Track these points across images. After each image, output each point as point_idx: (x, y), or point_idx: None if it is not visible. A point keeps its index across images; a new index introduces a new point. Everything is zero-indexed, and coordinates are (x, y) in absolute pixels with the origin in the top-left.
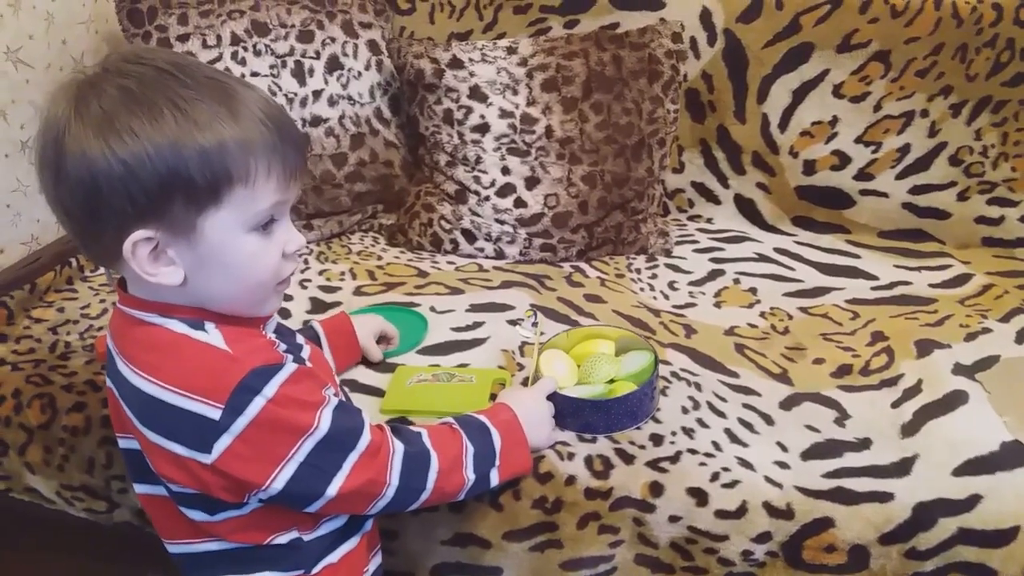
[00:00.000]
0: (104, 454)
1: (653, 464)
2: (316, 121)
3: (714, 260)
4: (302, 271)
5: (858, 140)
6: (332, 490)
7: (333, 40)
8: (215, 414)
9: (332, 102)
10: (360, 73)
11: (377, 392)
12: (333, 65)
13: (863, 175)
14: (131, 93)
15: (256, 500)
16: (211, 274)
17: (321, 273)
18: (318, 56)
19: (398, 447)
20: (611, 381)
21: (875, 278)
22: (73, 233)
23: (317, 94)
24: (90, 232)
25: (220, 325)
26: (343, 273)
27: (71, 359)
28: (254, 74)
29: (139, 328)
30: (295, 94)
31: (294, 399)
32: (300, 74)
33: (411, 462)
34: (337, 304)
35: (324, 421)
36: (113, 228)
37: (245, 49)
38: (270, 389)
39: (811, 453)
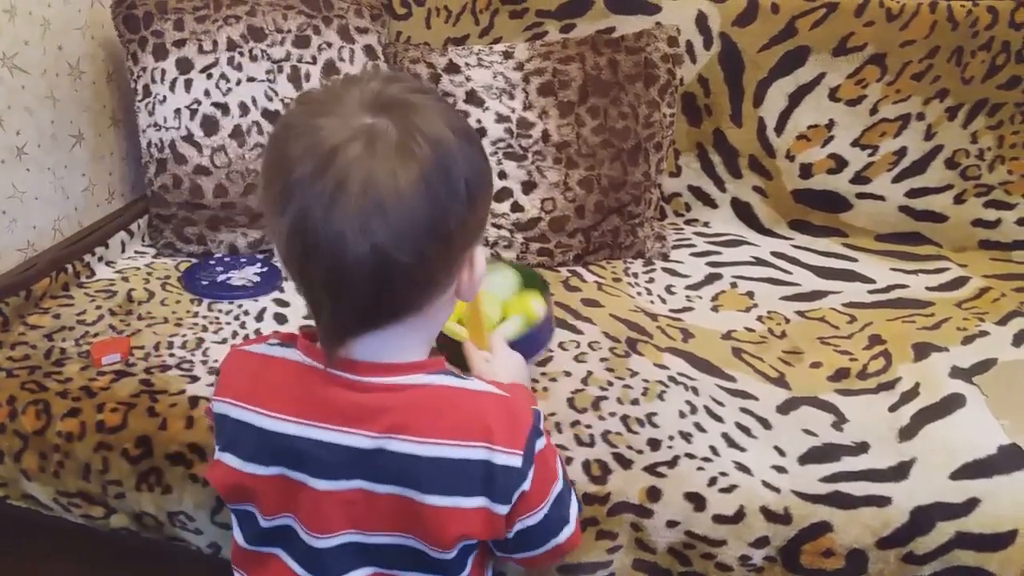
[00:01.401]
0: (100, 460)
1: (651, 469)
2: None
3: (711, 264)
4: None
5: (854, 143)
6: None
7: (329, 45)
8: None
9: None
10: None
11: None
12: (329, 70)
13: (859, 178)
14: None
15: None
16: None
17: None
18: (314, 61)
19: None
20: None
21: (872, 281)
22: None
23: None
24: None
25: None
26: None
27: (66, 365)
28: (250, 79)
29: (403, 393)
30: (291, 99)
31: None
32: (296, 79)
33: None
34: None
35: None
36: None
37: (241, 54)
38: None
39: (809, 457)
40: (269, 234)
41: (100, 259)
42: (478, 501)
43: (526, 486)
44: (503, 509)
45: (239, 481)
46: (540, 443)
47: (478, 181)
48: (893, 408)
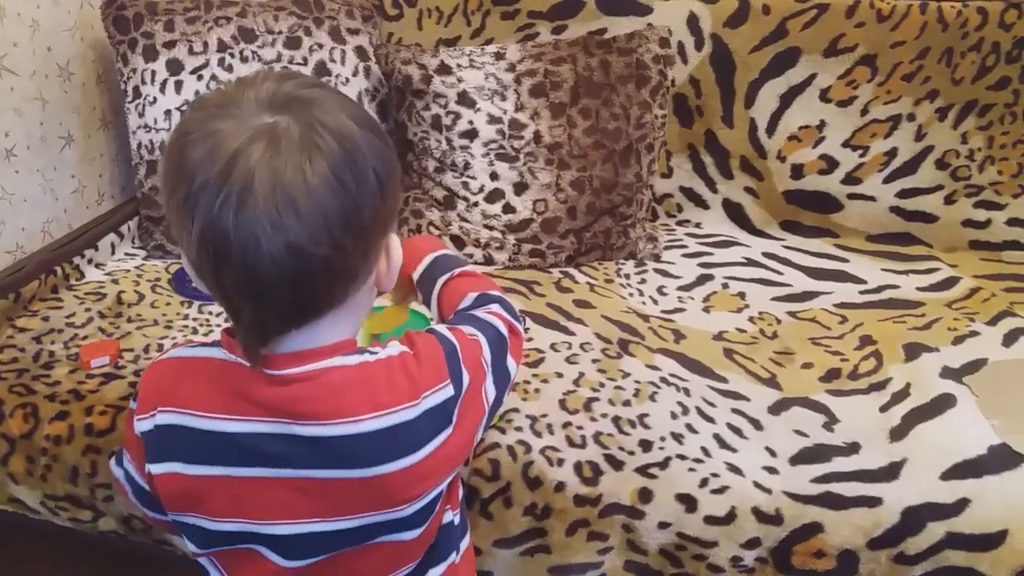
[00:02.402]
0: (88, 463)
1: (642, 470)
2: None
3: (703, 265)
4: None
5: (845, 144)
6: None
7: (320, 46)
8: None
9: None
10: (348, 79)
11: None
12: (320, 71)
13: (851, 179)
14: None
15: None
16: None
17: None
18: (305, 62)
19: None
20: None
21: (863, 282)
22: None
23: None
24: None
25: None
26: None
27: (55, 368)
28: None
29: (323, 378)
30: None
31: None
32: None
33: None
34: None
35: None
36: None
37: (232, 56)
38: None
39: (800, 458)
40: (177, 242)
41: (90, 261)
42: (432, 445)
43: (461, 393)
44: (449, 430)
45: (186, 487)
46: (456, 350)
47: (387, 169)
48: (884, 408)
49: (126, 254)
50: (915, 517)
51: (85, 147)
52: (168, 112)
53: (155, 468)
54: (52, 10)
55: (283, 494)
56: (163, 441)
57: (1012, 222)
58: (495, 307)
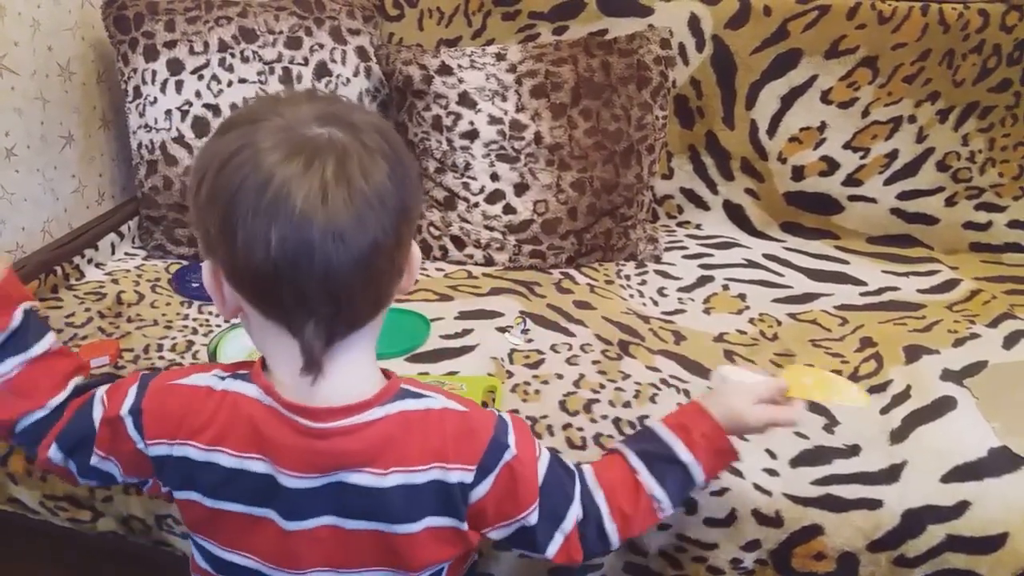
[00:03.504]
0: None
1: None
2: None
3: (703, 266)
4: None
5: (846, 146)
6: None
7: (321, 46)
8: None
9: None
10: (348, 79)
11: None
12: (321, 71)
13: (851, 181)
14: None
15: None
16: (412, 280)
17: None
18: (306, 63)
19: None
20: None
21: (864, 284)
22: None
23: None
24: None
25: (411, 383)
26: None
27: None
28: (242, 80)
29: (361, 433)
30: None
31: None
32: (288, 81)
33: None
34: None
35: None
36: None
37: (232, 56)
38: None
39: (800, 460)
40: (226, 258)
41: (90, 261)
42: (442, 520)
43: (480, 495)
44: (463, 525)
45: (203, 515)
46: (507, 454)
47: (414, 177)
48: (884, 411)
49: (126, 254)
50: (915, 519)
51: (85, 147)
52: (168, 112)
53: (177, 494)
54: (53, 9)
55: (301, 539)
56: (185, 472)
57: (1013, 224)
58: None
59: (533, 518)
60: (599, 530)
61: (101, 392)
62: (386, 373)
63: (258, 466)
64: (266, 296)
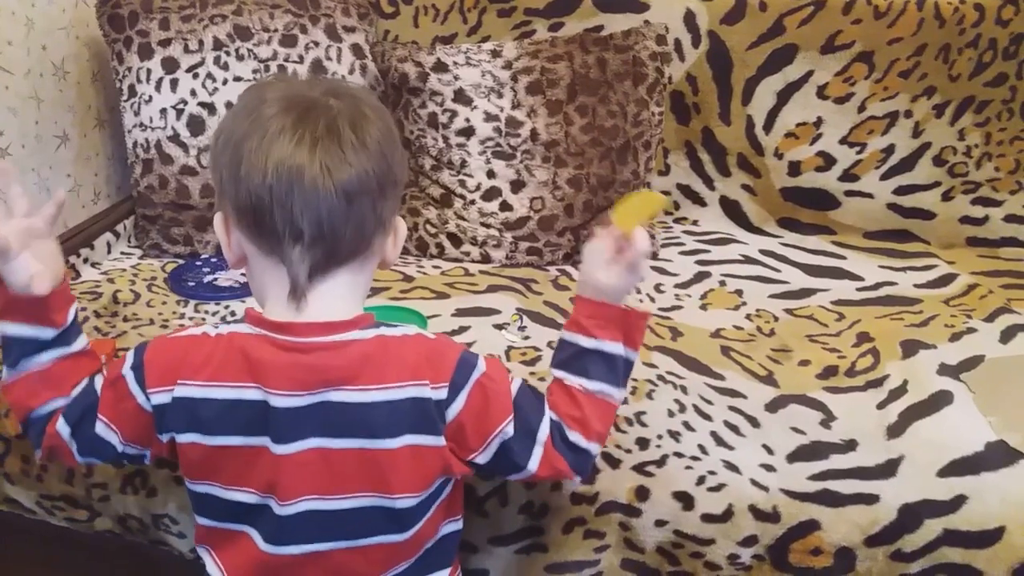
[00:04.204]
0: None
1: (639, 468)
2: None
3: (700, 262)
4: None
5: (843, 141)
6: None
7: (316, 44)
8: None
9: None
10: (344, 77)
11: None
12: (317, 69)
13: (848, 176)
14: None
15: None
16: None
17: None
18: (301, 60)
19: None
20: None
21: (860, 279)
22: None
23: None
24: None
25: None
26: None
27: None
28: (237, 79)
29: (343, 349)
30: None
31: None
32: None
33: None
34: None
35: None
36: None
37: (227, 54)
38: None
39: (797, 455)
40: (232, 194)
41: (85, 260)
42: (421, 438)
43: (455, 413)
44: (440, 440)
45: (204, 456)
46: (475, 372)
47: (404, 156)
48: (881, 405)
49: (122, 253)
50: (912, 514)
51: (80, 146)
52: (164, 110)
53: (179, 438)
54: (47, 8)
55: (288, 465)
56: (183, 414)
57: (1009, 218)
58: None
59: (510, 429)
60: (565, 440)
61: (102, 369)
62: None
63: (252, 393)
64: (262, 224)
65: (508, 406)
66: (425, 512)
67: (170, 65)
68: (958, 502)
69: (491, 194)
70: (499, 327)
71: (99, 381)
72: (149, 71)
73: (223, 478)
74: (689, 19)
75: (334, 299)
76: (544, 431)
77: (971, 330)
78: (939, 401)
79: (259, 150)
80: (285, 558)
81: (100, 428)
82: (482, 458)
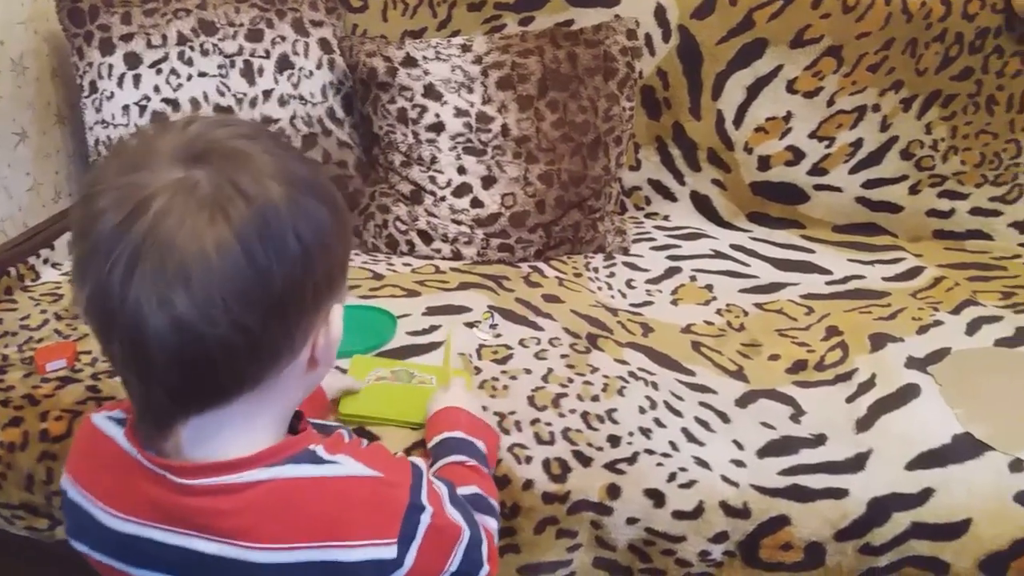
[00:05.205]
0: (44, 470)
1: (610, 466)
2: (266, 122)
3: (671, 258)
4: None
5: (812, 135)
6: None
7: (283, 39)
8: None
9: (283, 102)
10: (311, 72)
11: None
12: (283, 64)
13: (817, 170)
14: None
15: None
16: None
17: None
18: (268, 55)
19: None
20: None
21: (829, 272)
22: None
23: (267, 94)
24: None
25: (327, 447)
26: None
27: (8, 372)
28: (201, 74)
29: (238, 495)
30: (244, 94)
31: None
32: (249, 74)
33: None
34: None
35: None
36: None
37: (192, 49)
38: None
39: (767, 450)
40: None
41: (46, 261)
42: None
43: (407, 569)
44: None
45: (100, 567)
46: (424, 516)
47: (317, 235)
48: (850, 399)
49: None
50: (881, 508)
51: (40, 143)
52: (126, 107)
53: (73, 542)
54: (5, 2)
55: None
56: (76, 519)
57: (975, 211)
58: (490, 522)
59: (461, 551)
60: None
61: None
62: (301, 428)
63: (129, 527)
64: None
65: (456, 536)
66: None
67: (132, 61)
68: (925, 495)
69: (462, 190)
70: (470, 325)
71: None
72: (111, 67)
73: None
74: (659, 13)
75: (224, 431)
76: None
77: (938, 323)
78: (907, 394)
79: (76, 270)
80: None
81: None
82: None
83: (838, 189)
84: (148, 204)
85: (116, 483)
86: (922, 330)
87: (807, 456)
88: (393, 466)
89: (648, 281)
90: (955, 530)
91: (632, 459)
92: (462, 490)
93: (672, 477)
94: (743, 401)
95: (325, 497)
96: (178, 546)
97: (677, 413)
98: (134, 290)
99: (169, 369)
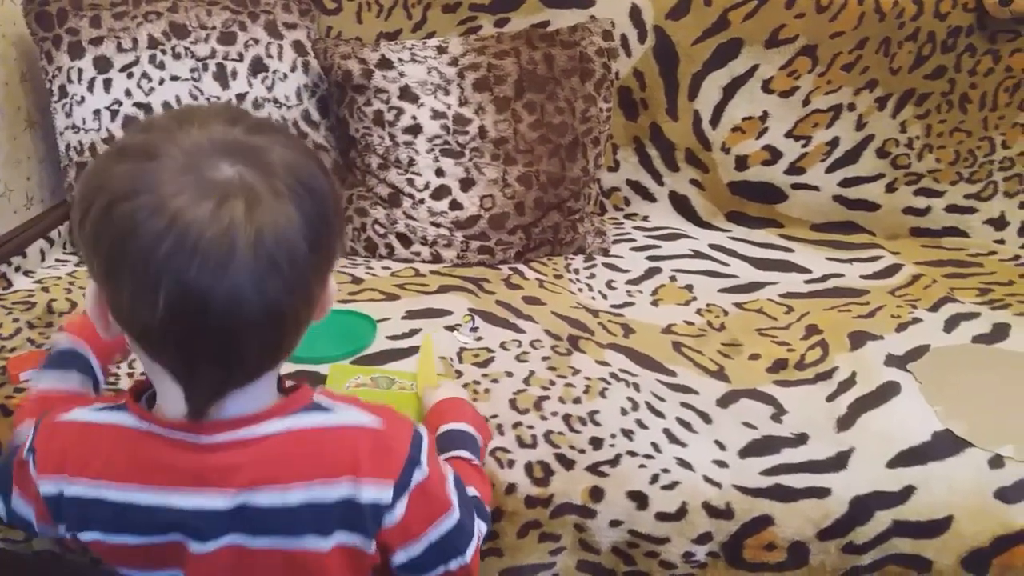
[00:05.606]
0: None
1: (593, 468)
2: None
3: (651, 258)
4: None
5: (788, 135)
6: None
7: (256, 41)
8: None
9: (257, 105)
10: (286, 75)
11: None
12: (257, 67)
13: (794, 169)
14: None
15: None
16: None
17: None
18: (241, 58)
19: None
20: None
21: (808, 271)
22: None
23: (241, 97)
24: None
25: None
26: None
27: None
28: (174, 78)
29: (256, 446)
30: (217, 98)
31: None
32: (223, 77)
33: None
34: None
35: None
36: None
37: (163, 52)
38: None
39: (749, 450)
40: (98, 302)
41: (17, 269)
42: (348, 537)
43: (396, 518)
44: (371, 544)
45: (109, 552)
46: (419, 474)
47: (340, 201)
48: (831, 398)
49: (56, 260)
50: (863, 506)
51: (10, 149)
52: (97, 112)
53: (80, 535)
54: None
55: (203, 564)
56: (80, 512)
57: (951, 208)
58: (482, 525)
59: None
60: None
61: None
62: (298, 385)
63: (143, 497)
64: (153, 346)
65: (443, 508)
66: None
67: (103, 64)
68: (907, 493)
69: (440, 193)
70: (451, 328)
71: (16, 447)
72: (80, 71)
73: (137, 566)
74: (635, 14)
75: (245, 396)
76: (471, 547)
77: (916, 320)
78: (887, 392)
79: (148, 275)
80: None
81: (15, 501)
82: (402, 558)
83: (815, 188)
84: (215, 213)
85: (131, 460)
86: (901, 328)
87: (789, 456)
88: (394, 420)
89: (628, 282)
90: (937, 527)
91: (615, 461)
92: (468, 490)
93: (655, 479)
94: (724, 401)
95: (336, 441)
96: (195, 509)
97: (659, 414)
98: (230, 285)
99: (258, 346)
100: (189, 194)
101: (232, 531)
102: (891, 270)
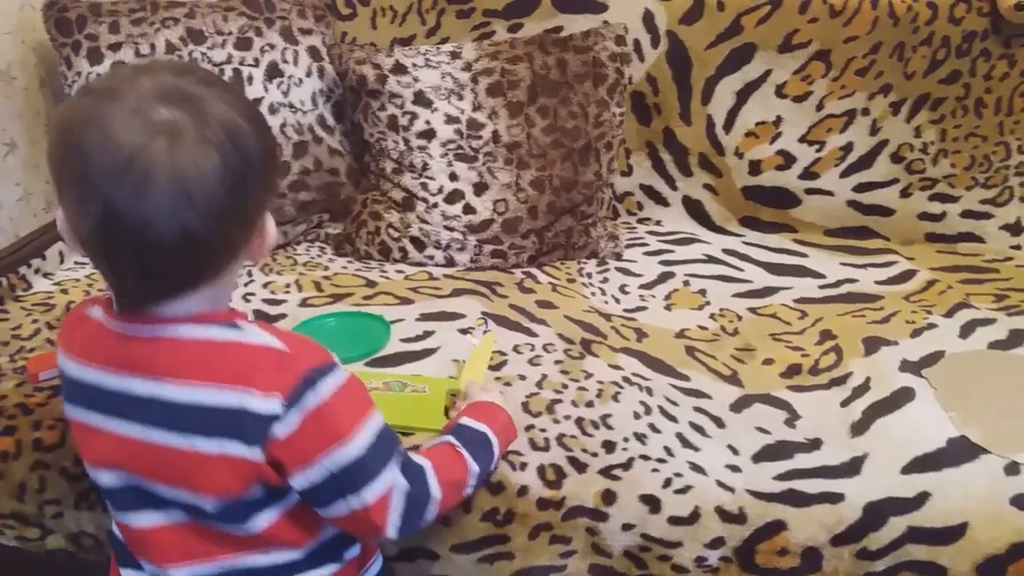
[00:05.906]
0: (36, 479)
1: (606, 472)
2: None
3: (664, 263)
4: (245, 284)
5: (802, 139)
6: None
7: (272, 47)
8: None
9: (273, 110)
10: (301, 80)
11: None
12: (273, 72)
13: (808, 174)
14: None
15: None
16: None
17: (265, 286)
18: (257, 64)
19: (401, 485)
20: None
21: (822, 276)
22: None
23: (257, 102)
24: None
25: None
26: (288, 285)
27: (1, 382)
28: None
29: (168, 342)
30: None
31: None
32: (239, 82)
33: (412, 503)
34: (282, 317)
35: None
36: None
37: (181, 58)
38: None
39: (762, 455)
40: (63, 219)
41: (37, 271)
42: (234, 446)
43: (286, 432)
44: (257, 454)
45: (74, 430)
46: (315, 398)
47: (269, 158)
48: (845, 403)
49: (75, 263)
50: (877, 512)
51: (30, 153)
52: None
53: (66, 407)
54: None
55: (110, 443)
56: (69, 385)
57: (966, 214)
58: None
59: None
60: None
61: None
62: (235, 312)
63: (89, 374)
64: (90, 255)
65: (339, 435)
66: (247, 514)
67: None
68: (922, 499)
69: (454, 197)
70: (464, 332)
71: None
72: (99, 76)
73: (88, 456)
74: (648, 19)
75: (178, 304)
76: (372, 493)
77: (931, 326)
78: (901, 398)
79: (83, 192)
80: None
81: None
82: (298, 481)
83: (829, 193)
84: (142, 146)
85: (90, 344)
86: (916, 333)
87: (802, 460)
88: (304, 347)
89: (641, 286)
90: (952, 534)
91: (627, 465)
92: (416, 457)
93: (668, 483)
94: (738, 406)
95: (239, 354)
96: (118, 391)
97: (672, 418)
98: (145, 211)
99: (171, 267)
100: (130, 130)
101: (135, 419)
102: (906, 275)
